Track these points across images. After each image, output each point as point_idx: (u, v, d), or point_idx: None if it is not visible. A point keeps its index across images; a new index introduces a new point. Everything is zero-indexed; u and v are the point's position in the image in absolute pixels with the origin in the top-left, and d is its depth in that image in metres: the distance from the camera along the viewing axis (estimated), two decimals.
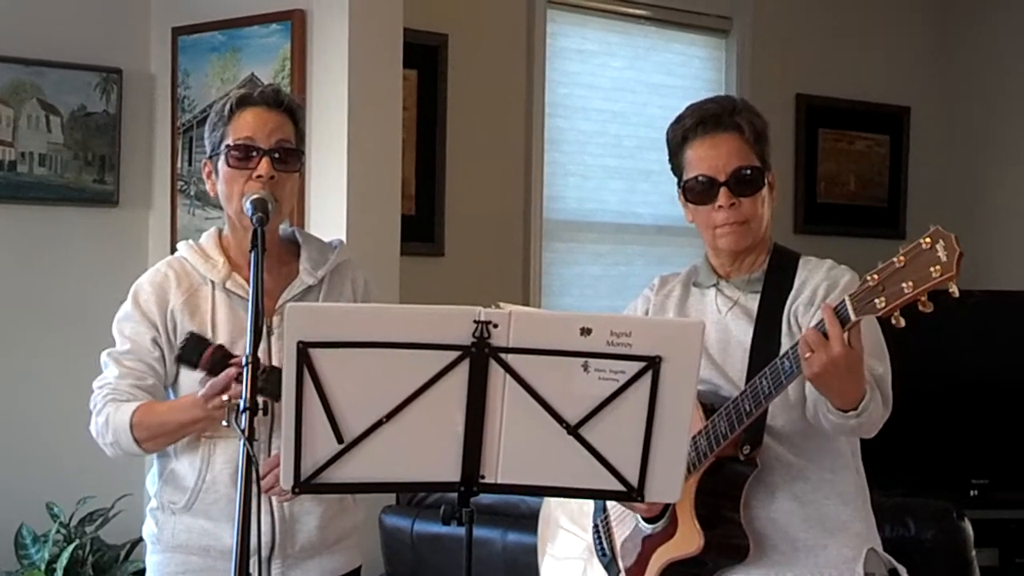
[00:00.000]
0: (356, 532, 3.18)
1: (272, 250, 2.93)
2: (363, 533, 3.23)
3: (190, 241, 3.12)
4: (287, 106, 3.02)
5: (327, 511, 3.06)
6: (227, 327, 2.99)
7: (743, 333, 2.90)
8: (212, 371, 2.84)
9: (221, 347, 2.89)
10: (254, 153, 2.95)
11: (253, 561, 2.89)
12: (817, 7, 7.00)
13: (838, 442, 2.89)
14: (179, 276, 3.05)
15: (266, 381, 2.63)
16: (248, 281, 2.94)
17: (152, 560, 3.12)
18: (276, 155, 2.96)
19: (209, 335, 2.96)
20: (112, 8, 5.30)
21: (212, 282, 3.03)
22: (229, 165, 2.97)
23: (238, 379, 2.75)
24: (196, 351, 2.87)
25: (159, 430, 2.96)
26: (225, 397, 2.80)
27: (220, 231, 3.11)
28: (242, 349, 2.80)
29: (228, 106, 3.00)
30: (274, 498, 2.95)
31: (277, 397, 2.47)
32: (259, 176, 2.94)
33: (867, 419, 2.67)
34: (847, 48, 7.09)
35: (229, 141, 2.97)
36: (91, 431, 3.02)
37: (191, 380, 2.98)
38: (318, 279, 3.07)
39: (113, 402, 2.98)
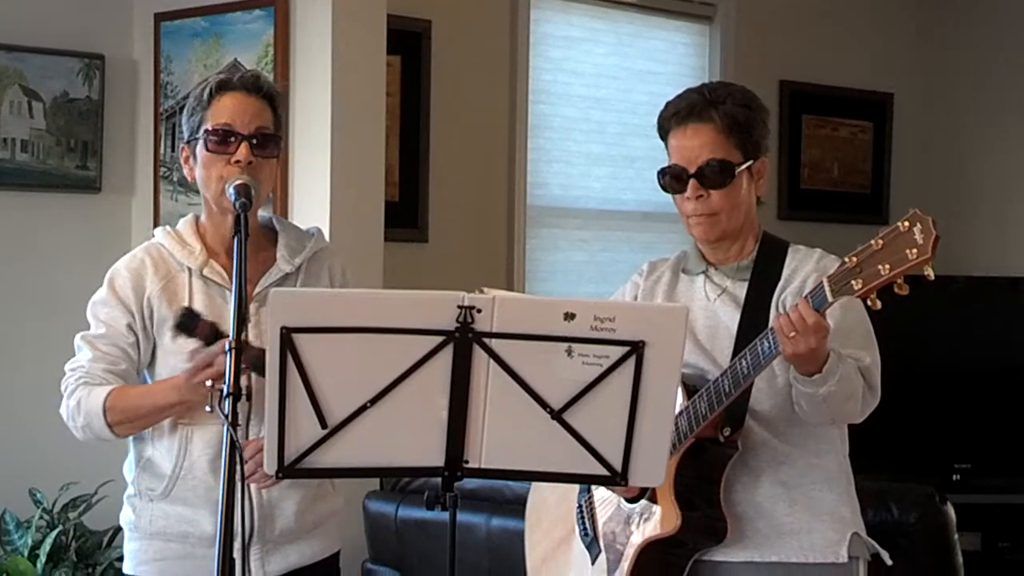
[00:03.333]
0: (334, 518, 3.18)
1: (250, 236, 2.92)
2: (342, 519, 3.23)
3: (167, 227, 3.12)
4: (266, 92, 3.01)
5: (305, 497, 3.06)
6: (204, 314, 2.98)
7: (731, 319, 2.92)
8: (207, 341, 2.85)
9: (214, 324, 2.90)
10: (232, 138, 2.95)
11: (235, 546, 2.91)
12: None
13: (825, 428, 2.90)
14: (156, 263, 3.04)
15: (258, 357, 2.63)
16: (225, 268, 2.98)
17: (130, 547, 3.11)
18: (255, 140, 2.96)
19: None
20: None
21: (189, 269, 3.02)
22: (208, 149, 2.96)
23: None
24: (194, 319, 2.88)
25: (132, 414, 2.96)
26: (208, 382, 2.80)
27: (197, 218, 3.11)
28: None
29: (208, 91, 2.99)
30: (253, 484, 2.94)
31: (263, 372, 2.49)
32: (237, 161, 2.93)
33: (839, 389, 2.69)
34: (830, 35, 7.10)
35: (208, 126, 2.96)
36: (61, 413, 3.01)
37: (167, 366, 2.99)
38: (295, 266, 3.06)
39: (85, 385, 2.97)
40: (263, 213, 3.15)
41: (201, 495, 2.98)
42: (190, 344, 2.90)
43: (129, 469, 3.11)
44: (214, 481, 2.93)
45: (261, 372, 2.54)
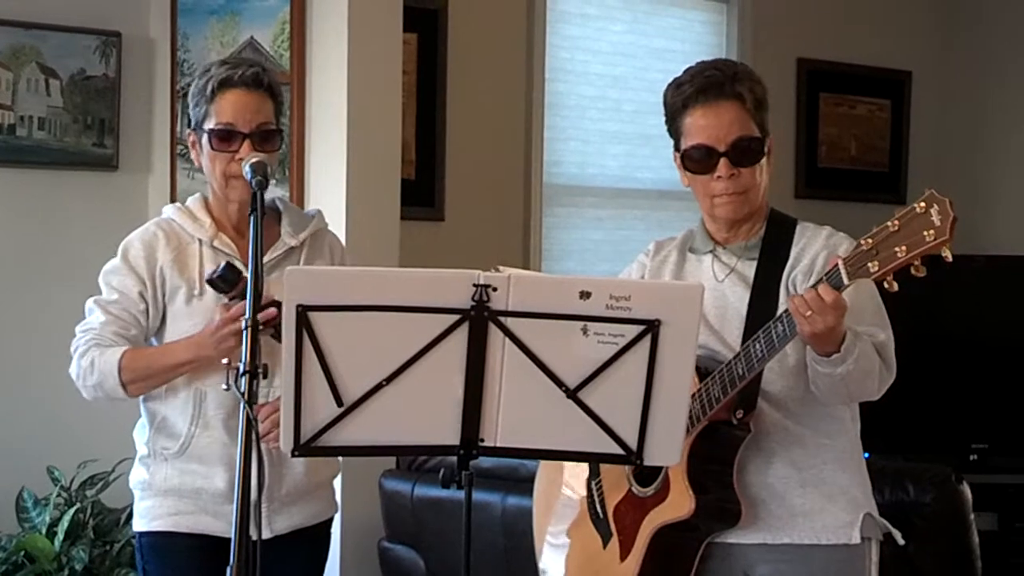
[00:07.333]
0: (331, 482, 3.30)
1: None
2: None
3: (176, 204, 3.25)
4: (267, 87, 3.13)
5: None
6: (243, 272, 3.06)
7: (740, 300, 2.90)
8: (244, 297, 2.93)
9: None
10: (235, 137, 3.07)
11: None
12: None
13: (836, 408, 2.89)
14: (168, 235, 3.16)
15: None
16: (234, 241, 3.14)
17: (142, 506, 3.20)
18: (257, 137, 3.07)
19: (196, 291, 3.10)
20: None
21: (200, 240, 3.14)
22: (212, 148, 3.09)
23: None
24: (234, 276, 2.97)
25: (146, 372, 3.07)
26: (225, 360, 2.83)
27: (205, 197, 3.23)
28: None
29: (211, 87, 3.09)
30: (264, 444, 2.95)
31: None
32: (240, 159, 3.05)
33: (857, 367, 2.67)
34: (849, 12, 7.06)
35: (211, 124, 3.08)
36: (70, 372, 3.12)
37: (177, 330, 3.10)
38: (300, 241, 3.18)
39: (97, 347, 3.09)
40: (267, 196, 3.20)
41: (216, 452, 3.10)
42: (212, 305, 3.03)
43: (141, 431, 3.21)
44: (228, 439, 3.08)
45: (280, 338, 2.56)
